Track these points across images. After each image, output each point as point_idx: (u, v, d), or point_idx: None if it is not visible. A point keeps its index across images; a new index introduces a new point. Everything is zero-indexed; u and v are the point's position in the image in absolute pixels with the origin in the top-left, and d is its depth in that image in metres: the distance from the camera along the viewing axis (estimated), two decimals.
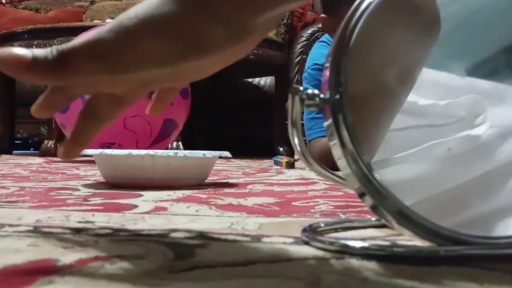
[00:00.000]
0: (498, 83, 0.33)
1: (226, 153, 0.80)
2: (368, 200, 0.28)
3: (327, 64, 0.29)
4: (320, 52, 1.39)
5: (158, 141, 1.44)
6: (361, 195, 0.28)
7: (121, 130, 1.41)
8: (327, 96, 0.28)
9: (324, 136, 1.26)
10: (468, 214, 0.31)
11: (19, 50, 0.26)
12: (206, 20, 0.26)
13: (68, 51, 0.26)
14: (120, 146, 1.44)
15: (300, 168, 1.31)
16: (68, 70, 0.26)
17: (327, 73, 0.28)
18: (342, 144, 0.27)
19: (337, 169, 0.30)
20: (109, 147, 1.45)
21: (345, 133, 0.27)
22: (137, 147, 1.38)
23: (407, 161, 0.32)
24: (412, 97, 0.33)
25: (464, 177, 0.32)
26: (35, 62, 0.26)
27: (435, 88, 0.33)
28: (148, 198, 0.56)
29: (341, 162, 0.28)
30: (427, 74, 0.33)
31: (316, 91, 0.28)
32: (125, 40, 0.26)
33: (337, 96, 0.27)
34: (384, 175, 0.28)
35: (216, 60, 0.28)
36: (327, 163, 0.33)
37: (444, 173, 0.33)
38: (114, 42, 0.26)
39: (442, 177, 0.33)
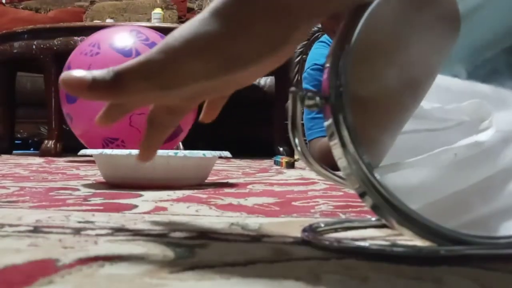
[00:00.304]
0: (499, 88, 0.33)
1: (226, 153, 0.80)
2: (369, 200, 0.28)
3: (327, 64, 0.29)
4: (319, 52, 1.39)
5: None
6: (362, 195, 0.28)
7: (126, 127, 1.40)
8: (328, 96, 0.28)
9: (324, 136, 1.26)
10: (469, 217, 0.31)
11: (80, 73, 0.29)
12: (247, 37, 0.29)
13: (123, 71, 0.29)
14: (123, 143, 1.44)
15: (300, 168, 1.31)
16: (124, 89, 0.29)
17: (327, 73, 0.28)
18: (343, 144, 0.27)
19: (337, 169, 0.30)
20: (111, 142, 1.45)
21: (345, 133, 0.27)
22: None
23: (412, 166, 0.32)
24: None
25: (467, 182, 0.32)
26: (94, 83, 0.29)
27: (436, 92, 0.33)
28: (148, 198, 0.56)
29: (341, 162, 0.28)
30: None
31: (316, 91, 0.28)
32: (172, 60, 0.29)
33: (338, 96, 0.27)
34: (389, 180, 0.28)
35: (257, 70, 0.30)
36: (327, 162, 0.33)
37: (448, 178, 0.33)
38: (163, 62, 0.29)
39: (446, 182, 0.33)
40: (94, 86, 0.29)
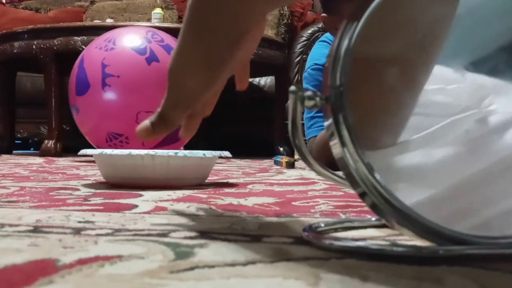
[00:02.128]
0: (497, 80, 0.33)
1: (226, 153, 0.80)
2: (368, 200, 0.28)
3: (327, 64, 0.29)
4: (320, 52, 1.39)
5: (165, 144, 1.43)
6: (362, 195, 0.28)
7: (132, 123, 1.39)
8: (327, 96, 0.28)
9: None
10: (471, 222, 0.31)
11: (144, 125, 0.39)
12: (213, 43, 0.34)
13: (161, 111, 0.38)
14: (127, 139, 1.44)
15: (300, 168, 1.31)
16: (167, 122, 0.39)
17: (327, 72, 0.28)
18: (343, 144, 0.27)
19: (334, 165, 0.30)
20: (115, 138, 1.45)
21: (345, 133, 0.27)
22: (143, 145, 1.37)
23: (422, 145, 0.32)
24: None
25: (476, 166, 0.31)
26: (153, 125, 0.39)
27: (434, 81, 0.33)
28: (148, 198, 0.56)
29: (341, 161, 0.28)
30: None
31: (316, 91, 0.28)
32: (176, 83, 0.37)
33: (337, 96, 0.27)
34: (400, 161, 0.28)
35: (241, 51, 0.35)
36: (324, 157, 0.33)
37: (460, 159, 0.32)
38: (175, 89, 0.37)
39: (457, 164, 0.32)
40: (155, 129, 0.39)
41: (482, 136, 0.32)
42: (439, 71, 0.33)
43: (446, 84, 0.33)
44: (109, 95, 1.43)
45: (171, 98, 0.38)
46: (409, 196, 0.28)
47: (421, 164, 0.32)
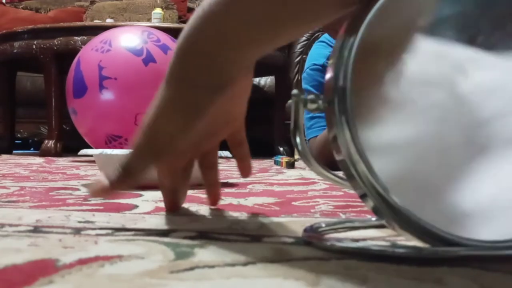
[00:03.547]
0: (475, 50, 0.32)
1: (226, 153, 0.80)
2: (369, 202, 0.28)
3: (330, 67, 0.28)
4: (319, 52, 1.39)
5: None
6: (362, 196, 0.28)
7: (131, 125, 1.40)
8: (330, 98, 0.28)
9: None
10: (439, 207, 0.29)
11: (100, 181, 0.36)
12: (192, 91, 0.34)
13: (125, 165, 0.36)
14: (126, 141, 1.44)
15: (300, 168, 1.31)
16: (133, 175, 0.36)
17: (329, 74, 0.28)
18: (345, 146, 0.27)
19: (335, 165, 0.29)
20: (114, 140, 1.45)
21: (347, 135, 0.27)
22: None
23: (394, 121, 0.30)
24: None
25: (448, 140, 0.30)
26: (112, 184, 0.36)
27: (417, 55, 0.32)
28: (148, 198, 0.56)
29: (343, 163, 0.28)
30: None
31: (318, 94, 0.28)
32: (150, 126, 0.35)
33: (340, 99, 0.27)
34: (372, 137, 0.27)
35: (216, 109, 0.35)
36: (325, 158, 0.33)
37: (430, 133, 0.31)
38: (147, 133, 0.35)
39: (429, 137, 0.31)
40: (114, 185, 0.36)
41: (453, 107, 0.31)
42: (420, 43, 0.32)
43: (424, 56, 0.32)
44: (107, 97, 1.43)
45: (141, 144, 0.36)
46: (384, 170, 0.28)
47: (394, 139, 0.31)
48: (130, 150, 0.36)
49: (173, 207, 0.46)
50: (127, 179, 0.36)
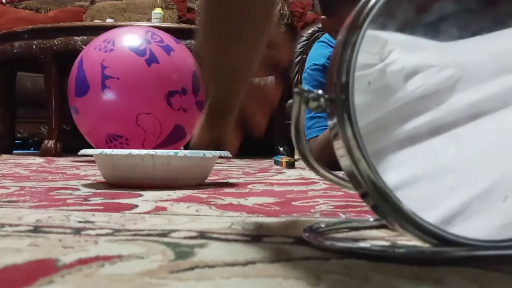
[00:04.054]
0: (405, 35, 0.32)
1: (226, 153, 0.80)
2: (370, 201, 0.28)
3: (332, 64, 0.28)
4: (319, 52, 1.38)
5: (164, 145, 1.43)
6: (363, 195, 0.28)
7: (132, 125, 1.40)
8: (332, 96, 0.28)
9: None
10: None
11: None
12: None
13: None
14: (126, 141, 1.43)
15: (300, 168, 1.31)
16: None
17: (332, 73, 0.28)
18: (347, 144, 0.27)
19: (335, 165, 0.29)
20: (115, 139, 1.44)
21: (349, 133, 0.27)
22: (143, 146, 1.37)
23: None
24: None
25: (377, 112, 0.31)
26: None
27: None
28: (148, 198, 0.56)
29: (344, 161, 0.28)
30: None
31: (320, 92, 0.28)
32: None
33: (342, 97, 0.27)
34: None
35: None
36: (325, 158, 0.32)
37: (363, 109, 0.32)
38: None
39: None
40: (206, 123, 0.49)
41: (383, 86, 0.32)
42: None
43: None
44: (109, 97, 1.42)
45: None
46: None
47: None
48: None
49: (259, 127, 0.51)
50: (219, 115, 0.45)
